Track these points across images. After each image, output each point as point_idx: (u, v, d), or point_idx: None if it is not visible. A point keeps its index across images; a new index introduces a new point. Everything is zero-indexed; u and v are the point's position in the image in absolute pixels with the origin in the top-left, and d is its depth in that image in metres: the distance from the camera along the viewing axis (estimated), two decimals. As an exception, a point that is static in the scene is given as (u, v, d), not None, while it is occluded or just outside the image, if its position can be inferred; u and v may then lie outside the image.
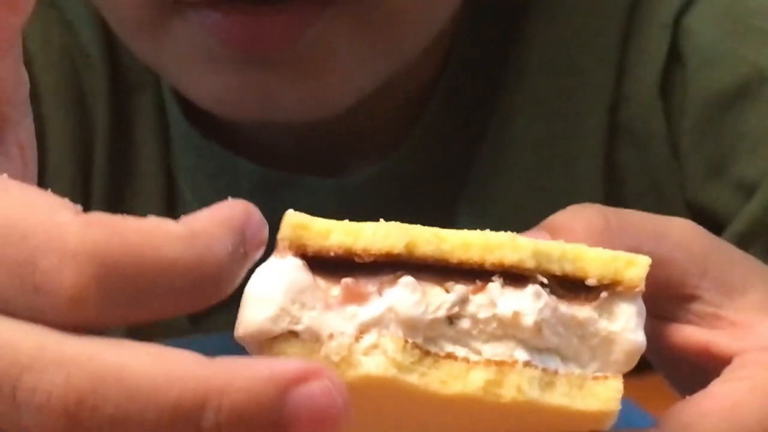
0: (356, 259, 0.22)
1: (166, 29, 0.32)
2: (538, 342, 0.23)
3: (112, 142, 0.39)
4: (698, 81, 0.37)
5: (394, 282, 0.22)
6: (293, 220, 0.22)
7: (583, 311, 0.23)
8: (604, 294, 0.23)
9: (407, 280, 0.22)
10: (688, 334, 0.25)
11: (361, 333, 0.22)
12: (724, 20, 0.37)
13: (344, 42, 0.32)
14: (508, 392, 0.23)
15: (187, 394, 0.15)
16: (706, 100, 0.37)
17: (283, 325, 0.22)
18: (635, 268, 0.24)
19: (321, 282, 0.22)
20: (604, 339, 0.24)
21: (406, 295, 0.22)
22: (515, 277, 0.23)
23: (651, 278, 0.23)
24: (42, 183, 0.21)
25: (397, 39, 0.34)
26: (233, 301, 0.20)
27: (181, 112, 0.39)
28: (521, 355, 0.23)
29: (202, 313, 0.19)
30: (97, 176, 0.39)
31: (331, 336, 0.22)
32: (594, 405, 0.24)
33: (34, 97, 0.34)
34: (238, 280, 0.18)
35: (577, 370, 0.24)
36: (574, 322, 0.23)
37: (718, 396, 0.24)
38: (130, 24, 0.34)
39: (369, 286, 0.22)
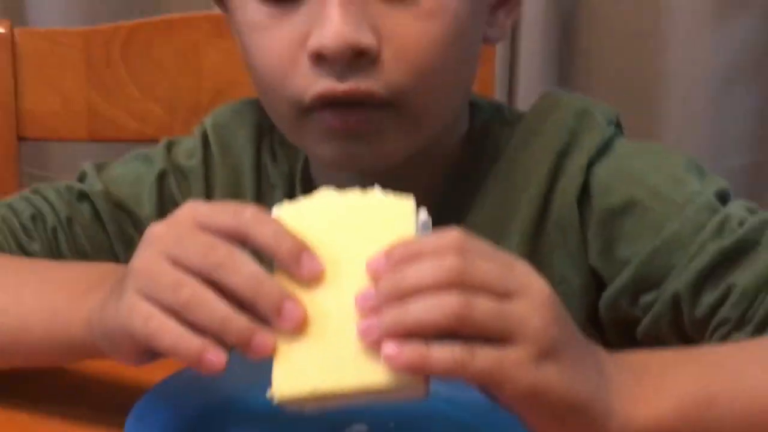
0: None
1: (304, 122, 0.59)
2: None
3: None
4: (597, 201, 0.63)
5: None
6: None
7: None
8: None
9: None
10: None
11: None
12: (615, 170, 0.63)
13: (390, 129, 0.59)
14: None
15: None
16: (600, 213, 0.62)
17: None
18: None
19: None
20: None
21: None
22: None
23: None
24: None
25: (419, 128, 0.60)
26: None
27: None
28: None
29: None
30: None
31: None
32: None
33: (210, 192, 0.68)
34: None
35: None
36: None
37: None
38: (285, 119, 0.61)
39: None
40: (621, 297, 0.61)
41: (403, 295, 0.42)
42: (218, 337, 0.44)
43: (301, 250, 0.44)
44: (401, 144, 0.61)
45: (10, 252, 0.68)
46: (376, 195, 0.47)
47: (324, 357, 0.44)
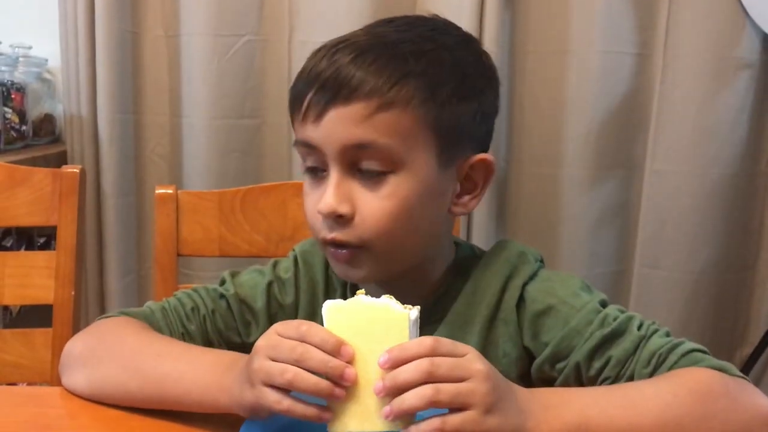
0: None
1: (326, 250, 0.76)
2: None
3: (307, 306, 0.84)
4: (528, 307, 0.76)
5: None
6: None
7: None
8: None
9: None
10: None
11: None
12: (539, 288, 0.76)
13: (365, 262, 0.74)
14: None
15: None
16: (530, 314, 0.76)
17: None
18: None
19: None
20: None
21: None
22: None
23: None
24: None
25: (387, 263, 0.74)
26: None
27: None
28: None
29: None
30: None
31: None
32: None
33: (298, 294, 0.85)
34: None
35: None
36: None
37: None
38: (319, 243, 0.76)
39: None
40: (544, 365, 0.75)
41: (399, 388, 0.56)
42: (314, 394, 0.58)
43: (339, 345, 0.58)
44: (375, 270, 0.75)
45: (176, 330, 0.82)
46: (389, 303, 0.59)
47: (359, 415, 0.58)
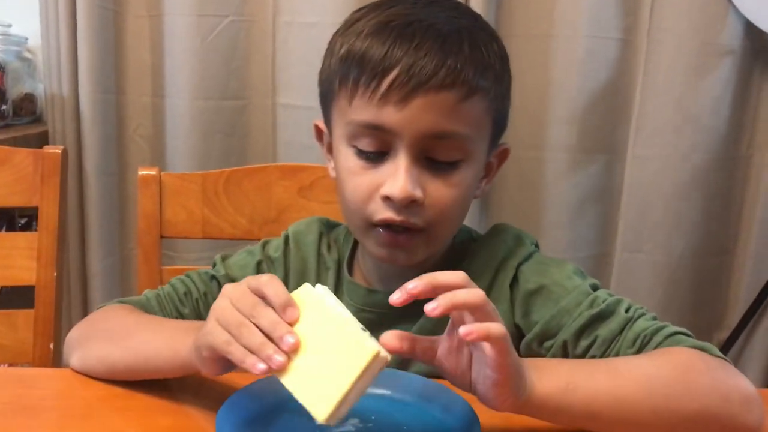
0: None
1: (369, 232, 0.76)
2: None
3: (296, 285, 0.72)
4: (521, 286, 0.78)
5: None
6: None
7: None
8: None
9: None
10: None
11: None
12: (533, 270, 0.78)
13: (420, 245, 0.75)
14: None
15: None
16: (522, 293, 0.78)
17: None
18: None
19: None
20: None
21: None
22: None
23: None
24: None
25: (437, 244, 0.77)
26: None
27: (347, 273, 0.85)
28: None
29: None
30: None
31: None
32: None
33: (287, 273, 0.85)
34: None
35: None
36: None
37: None
38: (357, 228, 0.77)
39: None
40: (532, 342, 0.77)
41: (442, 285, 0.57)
42: (257, 353, 0.58)
43: (288, 305, 0.59)
44: (424, 253, 0.77)
45: (171, 314, 0.84)
46: (362, 334, 0.58)
47: (325, 374, 0.57)
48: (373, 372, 0.57)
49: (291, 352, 0.57)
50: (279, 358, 0.57)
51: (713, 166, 1.64)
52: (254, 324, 0.59)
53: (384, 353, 0.57)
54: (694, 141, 1.61)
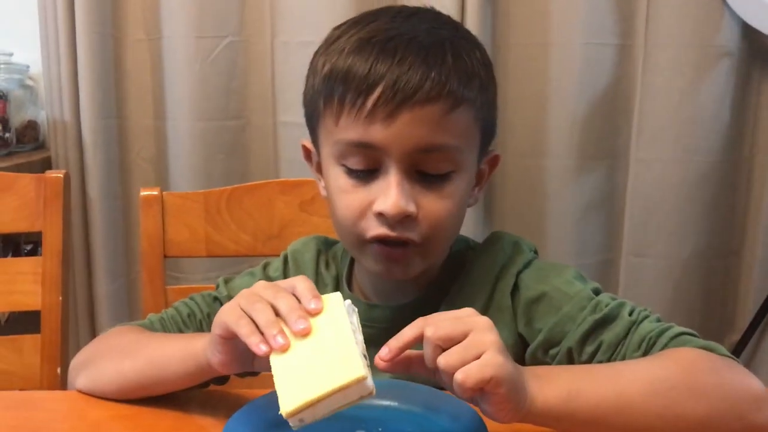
0: None
1: (363, 248, 0.76)
2: None
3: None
4: (522, 294, 0.77)
5: None
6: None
7: None
8: None
9: None
10: None
11: None
12: (533, 277, 0.78)
13: (416, 259, 0.75)
14: None
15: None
16: (524, 301, 0.77)
17: None
18: None
19: None
20: None
21: None
22: None
23: None
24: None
25: (433, 256, 0.77)
26: None
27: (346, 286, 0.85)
28: None
29: None
30: None
31: None
32: None
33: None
34: None
35: None
36: None
37: None
38: (351, 245, 0.77)
39: None
40: (537, 351, 0.76)
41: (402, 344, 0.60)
42: (263, 329, 0.60)
43: (315, 296, 0.62)
44: (420, 266, 0.77)
45: None
46: (360, 359, 0.58)
47: (310, 375, 0.57)
48: (352, 397, 0.57)
49: (294, 339, 0.58)
50: (281, 340, 0.58)
51: (716, 168, 1.63)
52: (271, 305, 0.60)
53: (371, 384, 0.57)
54: (696, 143, 1.61)
